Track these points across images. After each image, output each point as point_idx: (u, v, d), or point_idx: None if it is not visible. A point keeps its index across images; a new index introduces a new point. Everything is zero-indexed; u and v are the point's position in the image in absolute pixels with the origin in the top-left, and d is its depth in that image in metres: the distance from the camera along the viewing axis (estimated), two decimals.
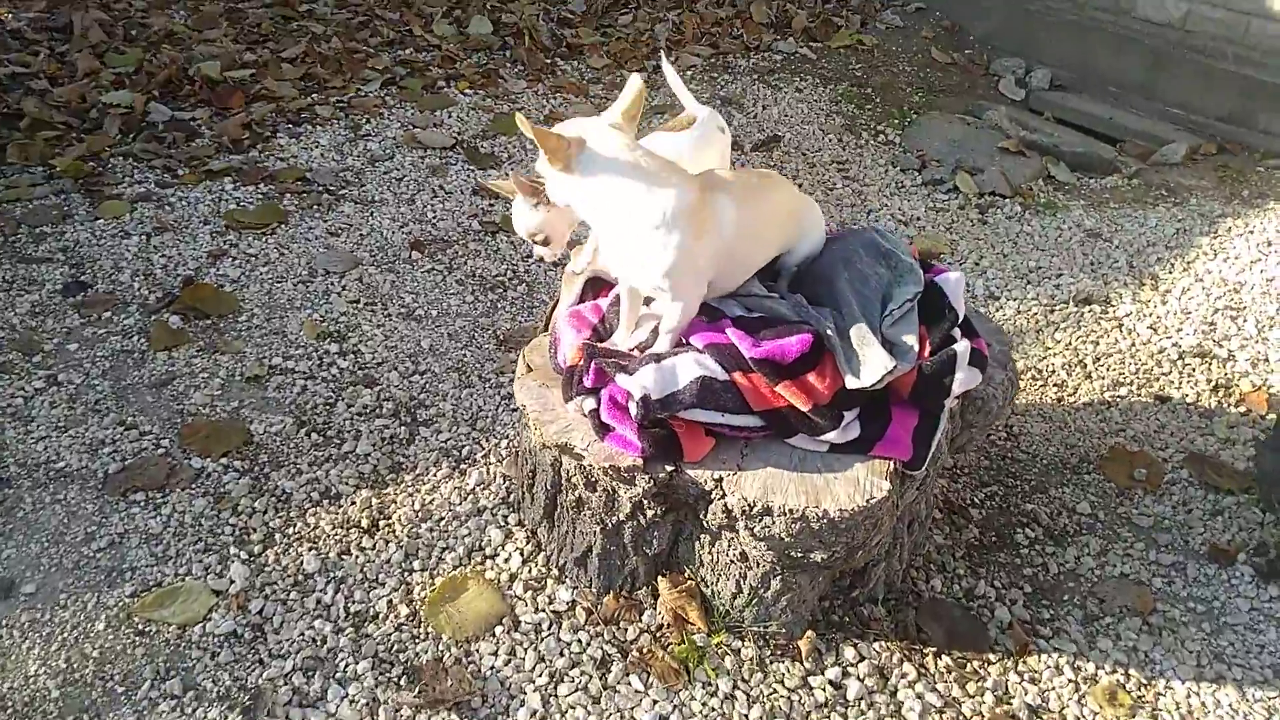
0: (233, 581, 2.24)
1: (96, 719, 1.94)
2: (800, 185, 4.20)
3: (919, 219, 4.05)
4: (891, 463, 1.97)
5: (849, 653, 2.16)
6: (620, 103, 1.95)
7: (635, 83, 1.95)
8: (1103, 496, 2.69)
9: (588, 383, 2.02)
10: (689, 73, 5.26)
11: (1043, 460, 2.81)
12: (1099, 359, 3.24)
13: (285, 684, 2.03)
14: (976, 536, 2.54)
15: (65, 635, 2.09)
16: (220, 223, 3.66)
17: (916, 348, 1.98)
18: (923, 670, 2.15)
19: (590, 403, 2.02)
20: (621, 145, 1.87)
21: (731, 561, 2.09)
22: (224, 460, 2.58)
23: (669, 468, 1.96)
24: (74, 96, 4.49)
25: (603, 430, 2.00)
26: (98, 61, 4.82)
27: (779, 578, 2.07)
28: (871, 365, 1.93)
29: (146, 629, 2.12)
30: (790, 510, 1.88)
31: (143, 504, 2.42)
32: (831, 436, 1.95)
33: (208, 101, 4.59)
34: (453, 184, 4.01)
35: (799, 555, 1.95)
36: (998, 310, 3.47)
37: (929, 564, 2.44)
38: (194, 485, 2.49)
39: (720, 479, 1.94)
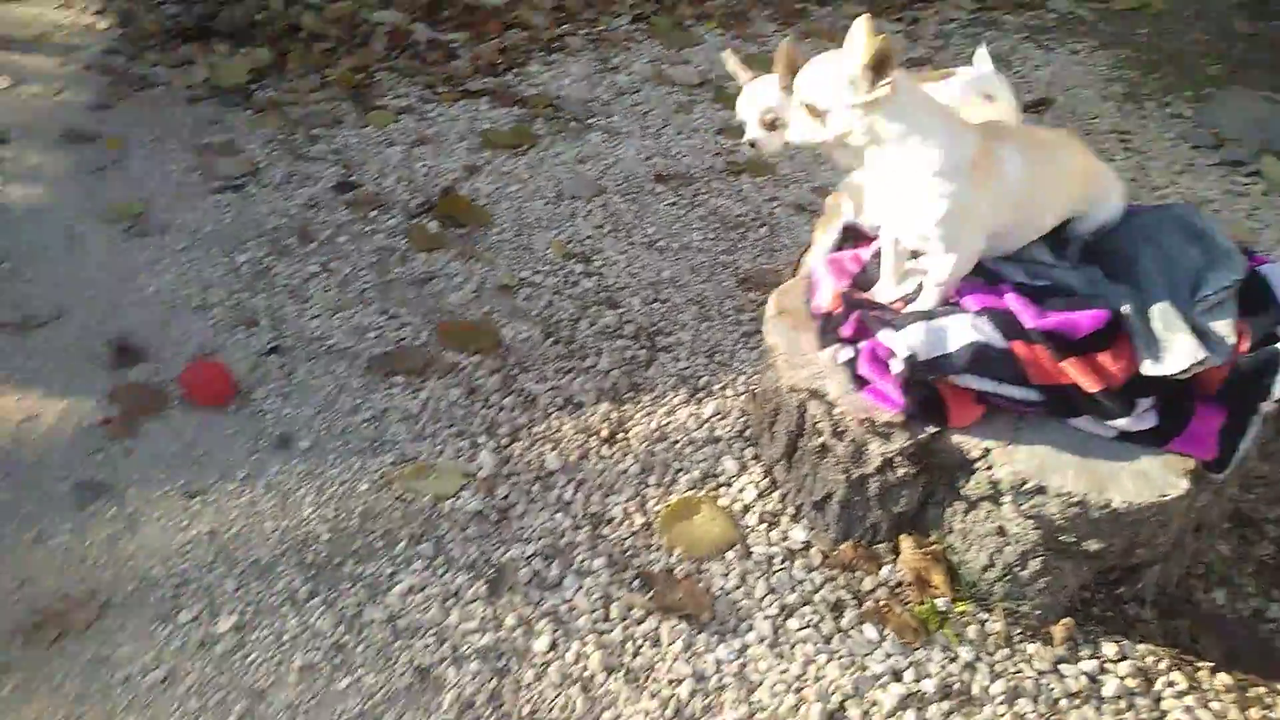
0: (481, 467, 2.34)
1: (358, 565, 2.09)
2: None
3: (1213, 202, 3.70)
4: (1190, 461, 1.81)
5: (1109, 649, 2.01)
6: (855, 45, 1.81)
7: (862, 24, 1.74)
8: None
9: (845, 333, 1.96)
10: (950, 26, 5.02)
11: None
12: None
13: (526, 565, 2.12)
14: (1272, 555, 2.30)
15: (334, 489, 2.26)
16: (476, 140, 3.80)
17: (1233, 340, 1.79)
18: (1194, 684, 1.97)
19: (847, 353, 1.95)
20: (914, 83, 1.79)
21: (988, 534, 1.98)
22: (476, 357, 2.69)
23: (932, 429, 1.88)
24: (345, 14, 4.76)
25: (860, 383, 1.93)
26: None
27: (1040, 559, 1.95)
28: (1177, 352, 1.76)
29: (404, 495, 2.26)
30: (1068, 493, 1.75)
31: (402, 386, 2.57)
32: (1123, 423, 1.79)
33: (466, 25, 4.77)
34: (698, 122, 4.00)
35: (1070, 542, 1.83)
36: None
37: (1210, 574, 2.24)
38: (449, 376, 2.62)
39: (989, 449, 1.84)
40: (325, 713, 1.82)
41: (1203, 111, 4.34)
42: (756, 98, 2.22)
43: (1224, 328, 1.83)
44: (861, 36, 1.69)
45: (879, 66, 1.67)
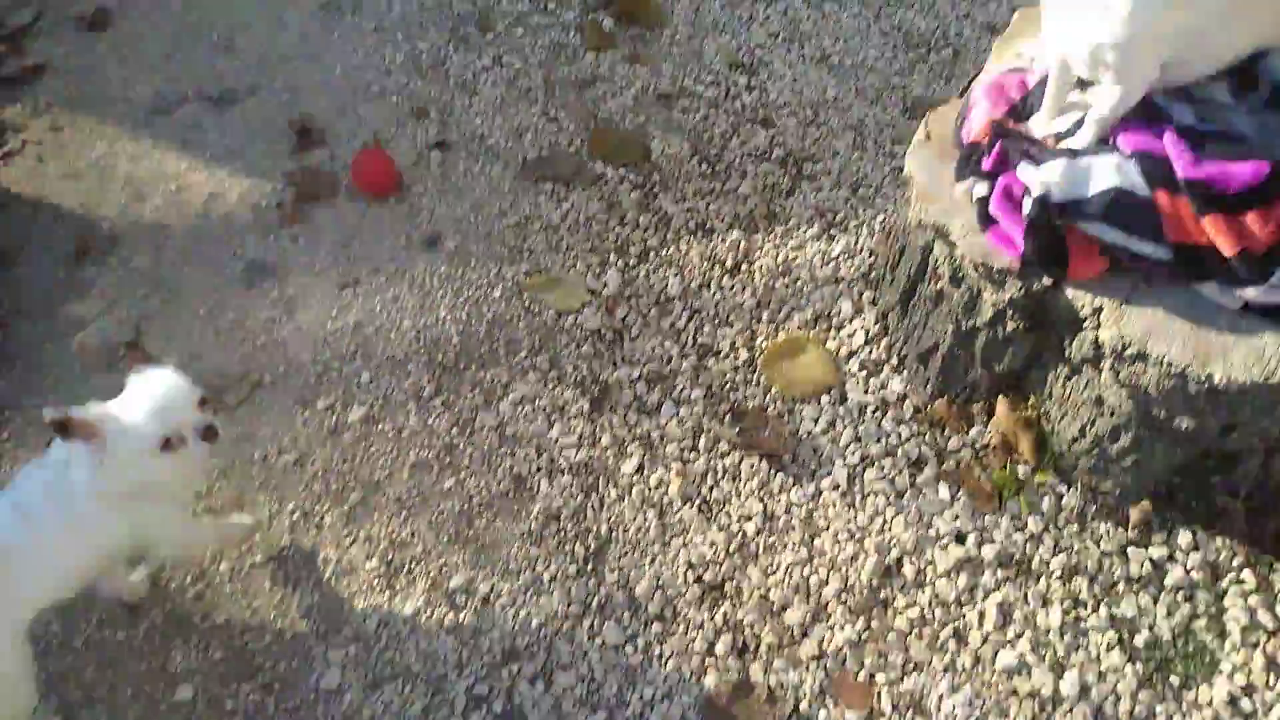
0: (606, 285, 2.48)
1: (480, 370, 2.33)
2: None
3: None
4: None
5: (1183, 538, 1.99)
6: None
7: None
8: None
9: (986, 165, 1.85)
10: None
11: None
12: None
13: (629, 388, 2.28)
14: None
15: (470, 293, 2.47)
16: None
17: None
18: (1266, 584, 1.94)
19: (982, 188, 1.87)
20: None
21: (1085, 403, 1.94)
22: (622, 170, 2.76)
23: (1048, 280, 1.81)
24: None
25: (987, 222, 1.85)
26: None
27: (1131, 434, 1.90)
28: None
29: (531, 306, 2.44)
30: (1169, 363, 1.66)
31: (549, 194, 2.70)
32: (1250, 293, 1.65)
33: None
34: None
35: (1163, 417, 1.77)
36: None
37: None
38: (593, 187, 2.72)
39: (1100, 307, 1.75)
40: (428, 509, 2.11)
41: None
42: None
43: None
44: None
45: None
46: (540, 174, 2.74)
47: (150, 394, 1.59)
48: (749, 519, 2.07)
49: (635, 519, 2.08)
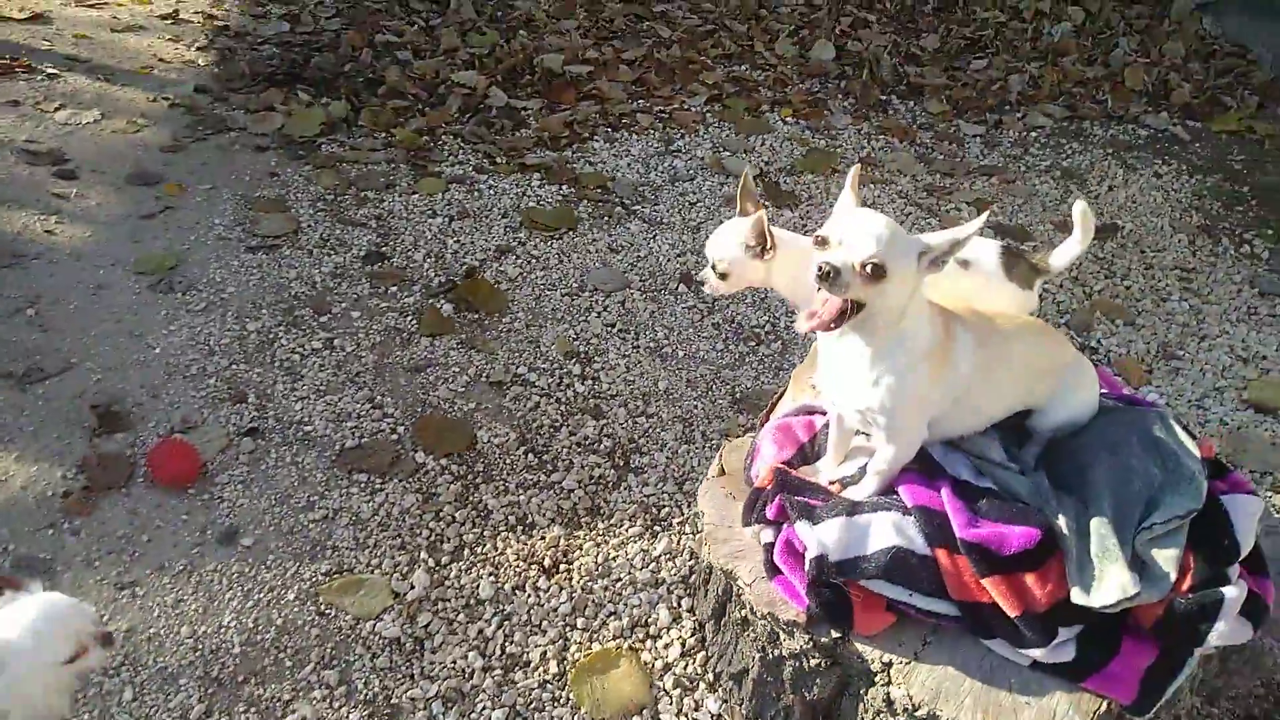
0: (413, 587, 2.32)
1: (260, 686, 2.09)
2: (1128, 287, 3.71)
3: (1265, 360, 3.42)
4: (1105, 703, 1.65)
5: None
6: (849, 184, 1.75)
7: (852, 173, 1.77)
8: None
9: (770, 514, 1.87)
10: (1034, 134, 4.79)
11: None
12: None
13: (424, 709, 2.08)
14: None
15: (261, 595, 2.28)
16: (516, 218, 3.82)
17: (1173, 577, 1.63)
18: None
19: (768, 535, 1.87)
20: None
21: None
22: (445, 460, 2.69)
23: (835, 634, 1.77)
24: (430, 71, 4.88)
25: (773, 570, 1.84)
26: (460, 39, 5.21)
27: None
28: (1108, 585, 1.62)
29: (326, 611, 2.26)
30: None
31: (362, 485, 2.59)
32: (1038, 654, 1.66)
33: (541, 94, 4.82)
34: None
35: None
36: None
37: None
38: (411, 479, 2.62)
39: (890, 663, 1.72)
40: None
41: None
42: (722, 246, 2.16)
43: (1167, 561, 1.67)
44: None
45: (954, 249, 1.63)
46: (356, 464, 2.64)
47: (48, 612, 1.64)
48: None
49: None
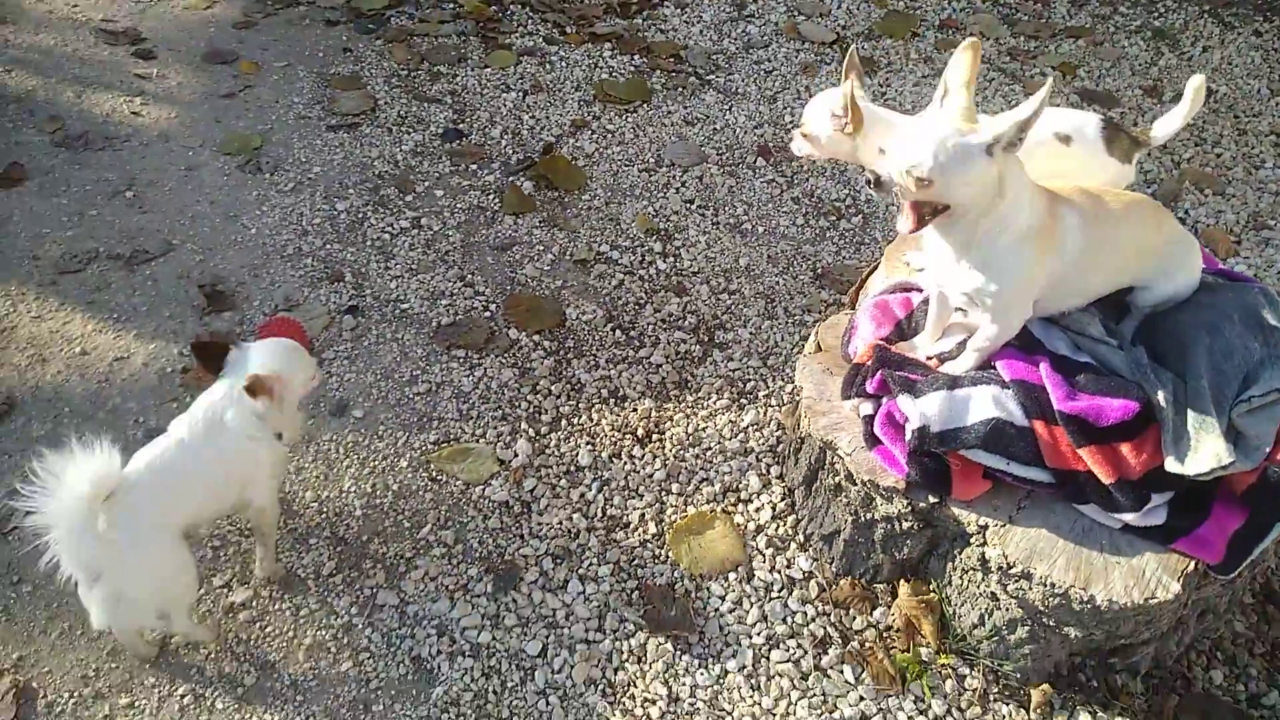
0: (516, 455, 2.46)
1: (384, 545, 2.26)
2: (1219, 155, 3.60)
3: None
4: (1193, 563, 1.73)
5: (1084, 718, 1.99)
6: (959, 71, 1.72)
7: (971, 46, 1.70)
8: None
9: (870, 388, 1.93)
10: None
11: None
12: None
13: (536, 565, 2.23)
14: None
15: (376, 464, 2.43)
16: (590, 91, 3.80)
17: (1268, 448, 1.68)
18: None
19: (867, 408, 1.94)
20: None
21: (981, 596, 1.97)
22: (537, 337, 2.78)
23: (933, 499, 1.86)
24: None
25: (873, 441, 1.92)
26: None
27: (1027, 628, 1.93)
28: (1202, 454, 1.67)
29: (438, 478, 2.40)
30: (1053, 584, 1.73)
31: (461, 360, 2.70)
32: (1129, 517, 1.74)
33: None
34: (820, 86, 3.84)
35: (1052, 625, 1.80)
36: None
37: (1215, 651, 2.15)
38: (506, 355, 2.72)
39: (986, 526, 1.81)
40: (325, 694, 2.01)
41: None
42: (818, 118, 2.14)
43: (1263, 432, 1.72)
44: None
45: (1023, 129, 1.59)
46: (453, 340, 2.74)
47: (276, 349, 2.00)
48: (653, 703, 2.01)
49: (537, 703, 2.01)
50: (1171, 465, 1.70)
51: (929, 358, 2.02)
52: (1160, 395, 1.77)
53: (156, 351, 2.64)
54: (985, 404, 1.84)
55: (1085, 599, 1.71)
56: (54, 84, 3.64)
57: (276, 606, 2.13)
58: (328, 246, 3.02)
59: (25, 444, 2.39)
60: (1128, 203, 1.84)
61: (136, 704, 1.97)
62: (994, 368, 1.89)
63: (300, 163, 3.36)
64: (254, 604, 2.13)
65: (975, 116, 1.64)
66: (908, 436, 1.86)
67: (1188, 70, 4.05)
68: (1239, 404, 1.72)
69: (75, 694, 1.98)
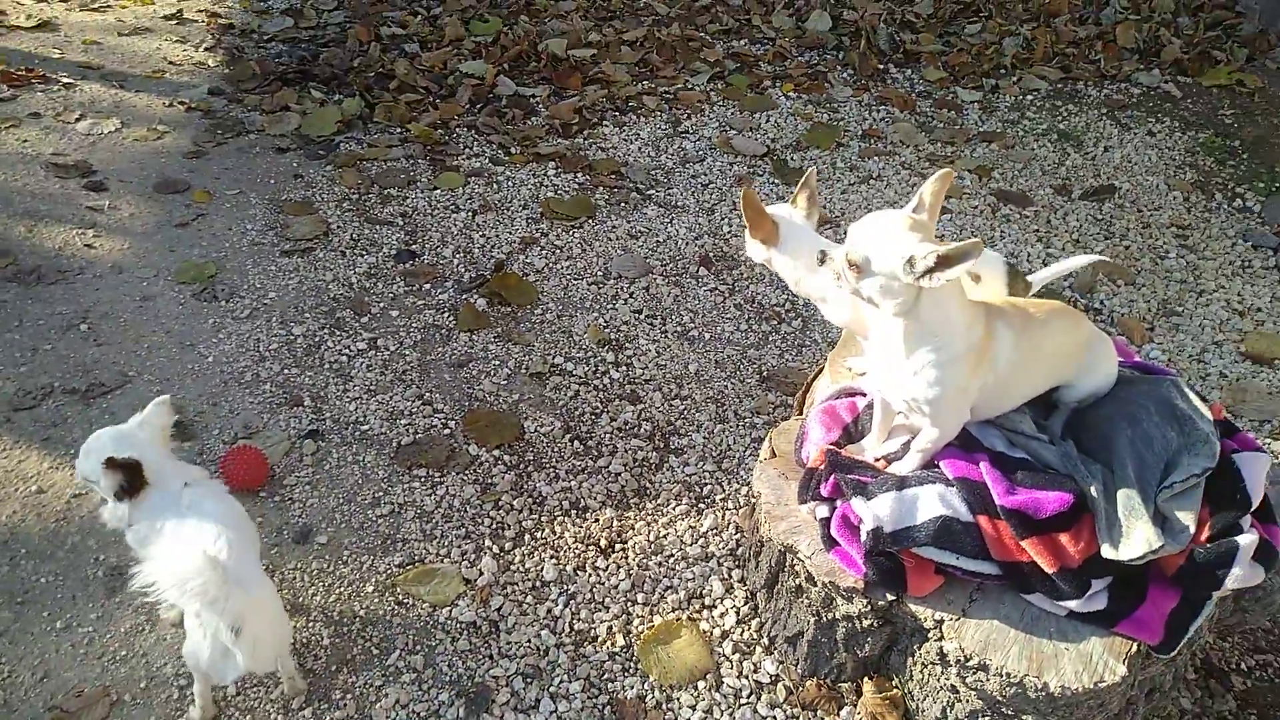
0: (481, 573, 2.49)
1: (353, 674, 2.26)
2: (1128, 247, 3.86)
3: (1260, 311, 3.59)
4: (1135, 644, 1.83)
5: None
6: (930, 197, 1.84)
7: (941, 177, 1.81)
8: None
9: (824, 491, 2.03)
10: (1029, 97, 4.92)
11: None
12: None
13: (507, 685, 2.25)
14: (1233, 710, 2.30)
15: (342, 590, 2.44)
16: (537, 209, 3.95)
17: (1192, 529, 1.81)
18: None
19: (823, 510, 2.04)
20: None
21: (942, 688, 2.04)
22: (497, 452, 2.84)
23: (890, 597, 1.95)
24: (437, 62, 4.98)
25: (830, 543, 2.01)
26: (463, 28, 5.29)
27: (988, 718, 2.00)
28: (1135, 539, 1.79)
29: (405, 601, 2.42)
30: (1008, 674, 1.81)
31: (423, 480, 2.74)
32: (1073, 604, 1.85)
33: (548, 79, 4.92)
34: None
35: (1010, 714, 1.88)
36: None
37: None
38: (467, 471, 2.77)
39: (941, 620, 1.90)
40: None
41: (1272, 206, 4.15)
42: (751, 249, 2.28)
43: (1187, 515, 1.85)
44: (901, 229, 1.73)
45: (944, 264, 1.67)
46: (415, 460, 2.79)
47: None
48: None
49: None
50: (1107, 552, 1.82)
51: (877, 459, 2.13)
52: (1092, 486, 1.89)
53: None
54: (932, 502, 1.94)
55: (1040, 687, 1.79)
56: (4, 219, 3.68)
57: None
58: (285, 371, 3.07)
59: None
60: (1049, 311, 1.99)
61: None
62: (938, 466, 2.01)
63: (255, 289, 3.42)
64: None
65: (924, 230, 1.75)
66: (863, 538, 1.95)
67: (1093, 168, 4.36)
68: (1163, 490, 1.85)
69: None
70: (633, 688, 2.26)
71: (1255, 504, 1.89)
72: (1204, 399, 2.09)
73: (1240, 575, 1.81)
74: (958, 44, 5.42)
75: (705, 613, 2.43)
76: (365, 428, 2.89)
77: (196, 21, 5.43)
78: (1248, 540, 1.82)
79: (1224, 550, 1.81)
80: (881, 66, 5.18)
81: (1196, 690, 2.32)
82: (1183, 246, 3.92)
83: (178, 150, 4.21)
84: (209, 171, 4.08)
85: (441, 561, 2.52)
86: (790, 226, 2.19)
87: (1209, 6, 5.70)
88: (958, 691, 2.00)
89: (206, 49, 5.13)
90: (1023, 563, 1.88)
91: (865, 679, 2.20)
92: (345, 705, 2.18)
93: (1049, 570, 1.85)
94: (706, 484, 2.78)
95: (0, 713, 2.12)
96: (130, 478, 1.99)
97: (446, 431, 2.90)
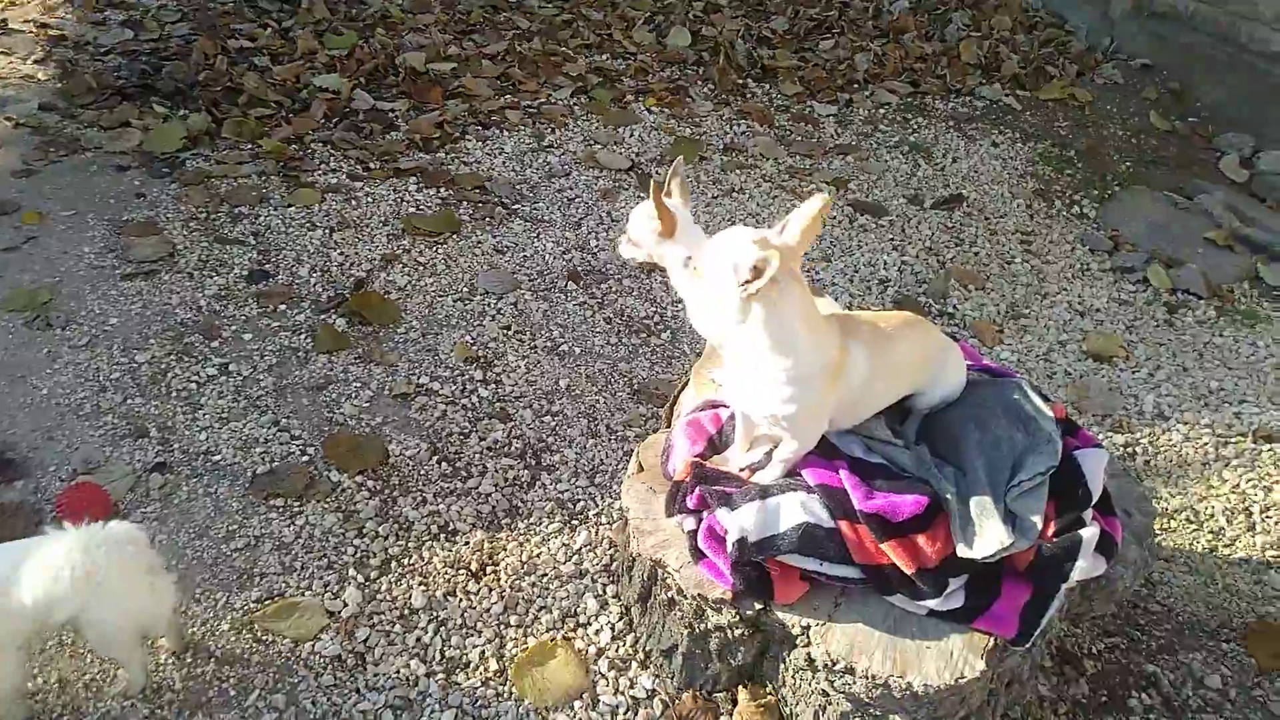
0: (345, 605, 2.39)
1: (208, 712, 2.13)
2: (977, 254, 4.04)
3: (1098, 311, 3.82)
4: (992, 638, 1.90)
5: None
6: (799, 220, 1.86)
7: (817, 202, 1.83)
8: (1239, 673, 2.49)
9: (690, 504, 2.03)
10: (882, 111, 5.11)
11: (1179, 618, 2.62)
12: (1268, 509, 2.98)
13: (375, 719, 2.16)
14: (1086, 693, 2.41)
15: (195, 630, 2.30)
16: (398, 225, 3.85)
17: (1039, 526, 1.89)
18: None
19: (690, 523, 2.04)
20: (795, 288, 1.82)
21: (813, 692, 2.07)
22: (360, 478, 2.74)
23: (758, 605, 1.96)
24: (290, 76, 4.80)
25: (698, 555, 2.01)
26: (316, 41, 5.13)
27: (860, 717, 2.04)
28: (987, 538, 1.86)
29: (264, 638, 2.30)
30: (873, 676, 1.85)
31: (281, 510, 2.62)
32: (933, 603, 1.90)
33: (408, 94, 4.82)
34: (620, 211, 4.07)
35: (878, 715, 1.92)
36: (1163, 434, 3.24)
37: (1025, 717, 2.33)
38: (328, 499, 2.67)
39: (809, 626, 1.93)
40: None
41: (1107, 212, 4.44)
42: (636, 229, 2.27)
43: (1034, 513, 1.93)
44: (746, 239, 1.74)
45: (756, 273, 1.69)
46: (271, 490, 2.67)
47: None
48: None
49: None
50: (962, 551, 1.88)
51: (741, 469, 2.15)
52: (946, 489, 1.95)
53: None
54: (795, 510, 1.97)
55: (904, 687, 1.84)
56: None
57: None
58: (129, 401, 2.89)
59: None
60: (898, 323, 2.05)
61: None
62: (800, 474, 2.04)
63: (95, 315, 3.22)
64: None
65: (774, 248, 1.76)
66: (729, 549, 1.96)
67: (943, 178, 4.55)
68: (1011, 489, 1.93)
69: None
70: (508, 713, 2.21)
71: (1095, 498, 1.99)
72: (1047, 399, 2.19)
73: (1085, 567, 1.90)
74: (813, 59, 5.58)
75: (580, 631, 2.40)
76: (217, 458, 2.75)
77: (23, 32, 5.08)
78: (1090, 533, 1.91)
79: (1069, 544, 1.90)
80: (741, 81, 5.29)
81: (1053, 677, 2.43)
82: (1027, 252, 4.13)
83: (5, 168, 3.92)
84: (40, 191, 3.82)
85: (303, 594, 2.41)
86: (684, 218, 2.20)
87: (1042, 25, 6.05)
88: (828, 695, 2.03)
89: (35, 61, 4.80)
90: (883, 565, 1.92)
91: (740, 687, 2.21)
92: None
93: (908, 571, 1.90)
94: (579, 500, 2.76)
95: None
96: None
97: (305, 458, 2.79)
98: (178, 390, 2.96)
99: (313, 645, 2.30)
